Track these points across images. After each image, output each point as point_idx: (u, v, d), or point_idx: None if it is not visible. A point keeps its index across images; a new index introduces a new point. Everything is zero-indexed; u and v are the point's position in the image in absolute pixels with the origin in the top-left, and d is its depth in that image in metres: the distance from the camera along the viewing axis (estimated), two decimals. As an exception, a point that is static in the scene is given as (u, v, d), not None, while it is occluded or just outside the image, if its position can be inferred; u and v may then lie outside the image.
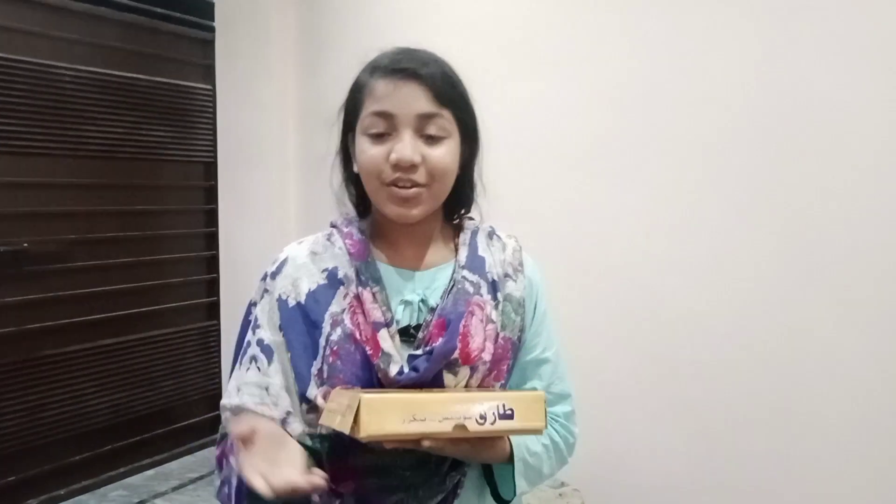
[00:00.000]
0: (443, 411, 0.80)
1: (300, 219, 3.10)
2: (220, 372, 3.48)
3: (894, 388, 1.58)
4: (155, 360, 3.32)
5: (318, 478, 0.77)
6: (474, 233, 1.05)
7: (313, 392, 0.93)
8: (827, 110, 1.64)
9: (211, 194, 3.46)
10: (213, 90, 3.38)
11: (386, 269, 1.00)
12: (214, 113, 3.39)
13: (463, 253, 1.02)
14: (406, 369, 0.91)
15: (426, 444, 0.80)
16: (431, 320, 0.95)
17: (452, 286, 0.98)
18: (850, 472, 1.63)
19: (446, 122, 0.94)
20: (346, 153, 1.03)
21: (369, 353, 0.92)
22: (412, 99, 0.92)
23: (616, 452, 2.04)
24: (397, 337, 0.95)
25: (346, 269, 0.97)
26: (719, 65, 1.81)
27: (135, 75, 3.17)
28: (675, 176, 1.91)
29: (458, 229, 1.06)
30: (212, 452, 1.04)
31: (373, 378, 0.92)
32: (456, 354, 0.92)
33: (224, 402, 0.99)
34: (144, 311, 3.28)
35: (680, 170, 1.90)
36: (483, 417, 0.81)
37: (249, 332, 1.00)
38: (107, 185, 3.10)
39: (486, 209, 1.09)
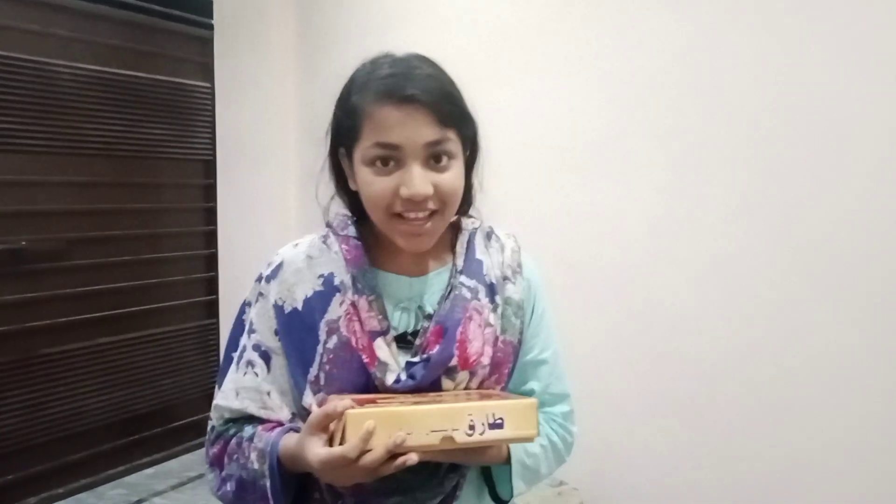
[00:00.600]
0: (430, 424, 0.80)
1: (299, 217, 3.10)
2: (219, 370, 3.48)
3: None
4: (154, 359, 3.32)
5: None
6: (472, 234, 1.04)
7: (308, 399, 0.93)
8: (829, 109, 1.63)
9: (210, 192, 3.45)
10: (212, 88, 3.37)
11: (382, 276, 0.99)
12: (213, 111, 3.38)
13: (460, 258, 1.01)
14: (403, 377, 0.91)
15: (414, 456, 0.79)
16: (429, 327, 0.95)
17: (450, 292, 0.97)
18: (852, 470, 1.62)
19: (452, 143, 0.91)
20: (338, 168, 1.00)
21: (366, 361, 0.92)
22: (417, 128, 0.87)
23: (615, 451, 2.04)
24: (394, 345, 0.94)
25: (342, 276, 0.96)
26: (720, 63, 1.80)
27: (133, 73, 3.16)
28: (676, 175, 1.90)
29: (457, 231, 1.05)
30: (212, 452, 1.04)
31: (370, 386, 0.92)
32: (454, 361, 0.92)
33: (221, 402, 0.99)
34: (143, 310, 3.28)
35: (680, 169, 1.89)
36: (472, 428, 0.81)
37: (245, 336, 1.00)
38: (105, 183, 3.09)
39: (484, 209, 1.09)
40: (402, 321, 0.97)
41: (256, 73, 3.15)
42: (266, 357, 0.97)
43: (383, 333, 0.93)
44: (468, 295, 0.97)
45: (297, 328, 0.95)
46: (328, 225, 1.04)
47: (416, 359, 0.93)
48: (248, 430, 0.96)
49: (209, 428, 1.02)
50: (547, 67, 2.18)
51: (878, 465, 1.59)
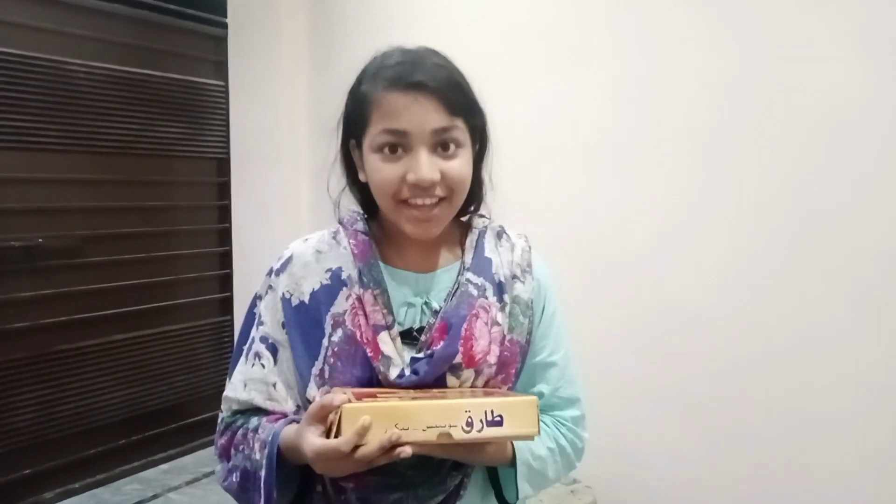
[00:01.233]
0: (427, 419, 0.79)
1: (312, 214, 3.11)
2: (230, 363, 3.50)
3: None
4: (168, 356, 3.34)
5: None
6: (482, 233, 1.04)
7: (313, 392, 0.93)
8: (845, 108, 1.61)
9: (224, 190, 3.48)
10: (226, 86, 3.39)
11: (390, 271, 0.99)
12: (227, 109, 3.40)
13: (469, 255, 1.00)
14: (407, 372, 0.91)
15: (408, 449, 0.78)
16: (434, 323, 0.95)
17: (456, 289, 0.97)
18: (865, 471, 1.61)
19: (459, 132, 0.91)
20: (349, 160, 1.00)
21: (370, 355, 0.92)
22: (425, 114, 0.88)
23: (628, 450, 2.03)
24: (399, 340, 0.94)
25: (349, 270, 0.97)
26: (734, 60, 1.78)
27: (148, 72, 3.18)
28: (687, 173, 1.89)
29: (467, 229, 1.05)
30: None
31: (374, 380, 0.92)
32: (459, 358, 0.92)
33: (229, 394, 1.01)
34: (158, 307, 3.30)
35: (692, 167, 1.88)
36: (469, 424, 0.80)
37: (254, 328, 1.01)
38: (120, 181, 3.12)
39: (494, 207, 1.08)
40: (408, 317, 0.97)
41: (270, 71, 3.16)
42: (273, 349, 0.98)
43: (388, 328, 0.93)
44: (475, 292, 0.97)
45: (304, 321, 0.96)
46: (339, 222, 1.05)
47: (421, 354, 0.93)
48: (253, 421, 0.97)
49: (219, 420, 1.04)
50: (559, 66, 2.16)
51: (893, 465, 1.57)
